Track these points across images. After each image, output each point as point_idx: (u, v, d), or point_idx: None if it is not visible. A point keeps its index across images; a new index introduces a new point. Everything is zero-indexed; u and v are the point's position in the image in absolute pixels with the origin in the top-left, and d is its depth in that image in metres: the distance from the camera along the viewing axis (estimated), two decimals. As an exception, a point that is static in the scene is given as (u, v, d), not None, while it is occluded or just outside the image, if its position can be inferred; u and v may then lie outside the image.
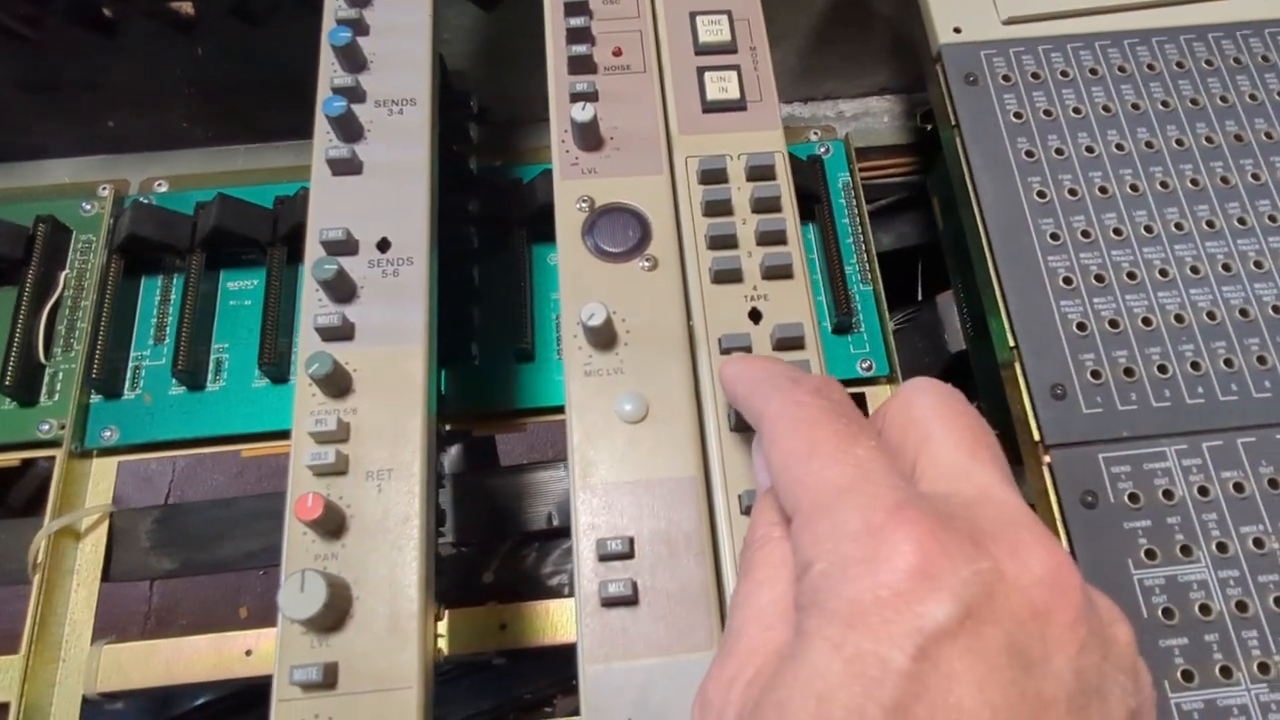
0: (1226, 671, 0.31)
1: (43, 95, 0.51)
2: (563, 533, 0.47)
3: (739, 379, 0.26)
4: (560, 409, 0.46)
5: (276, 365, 0.45)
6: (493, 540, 0.47)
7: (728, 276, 0.31)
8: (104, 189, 0.50)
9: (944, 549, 0.18)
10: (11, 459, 0.45)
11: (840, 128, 0.57)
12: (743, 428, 0.29)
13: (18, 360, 0.44)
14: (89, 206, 0.49)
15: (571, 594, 0.46)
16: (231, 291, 0.48)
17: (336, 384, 0.29)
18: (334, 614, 0.26)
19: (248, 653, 0.42)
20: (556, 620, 0.43)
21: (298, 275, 0.48)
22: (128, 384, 0.46)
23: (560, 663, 0.55)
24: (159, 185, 0.51)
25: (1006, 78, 0.40)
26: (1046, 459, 0.34)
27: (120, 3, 0.48)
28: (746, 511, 0.28)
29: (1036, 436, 0.34)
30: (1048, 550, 0.19)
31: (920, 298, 0.59)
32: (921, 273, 0.60)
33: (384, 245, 0.31)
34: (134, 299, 0.48)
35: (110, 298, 0.46)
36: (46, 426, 0.44)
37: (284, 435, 0.46)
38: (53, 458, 0.44)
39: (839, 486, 0.20)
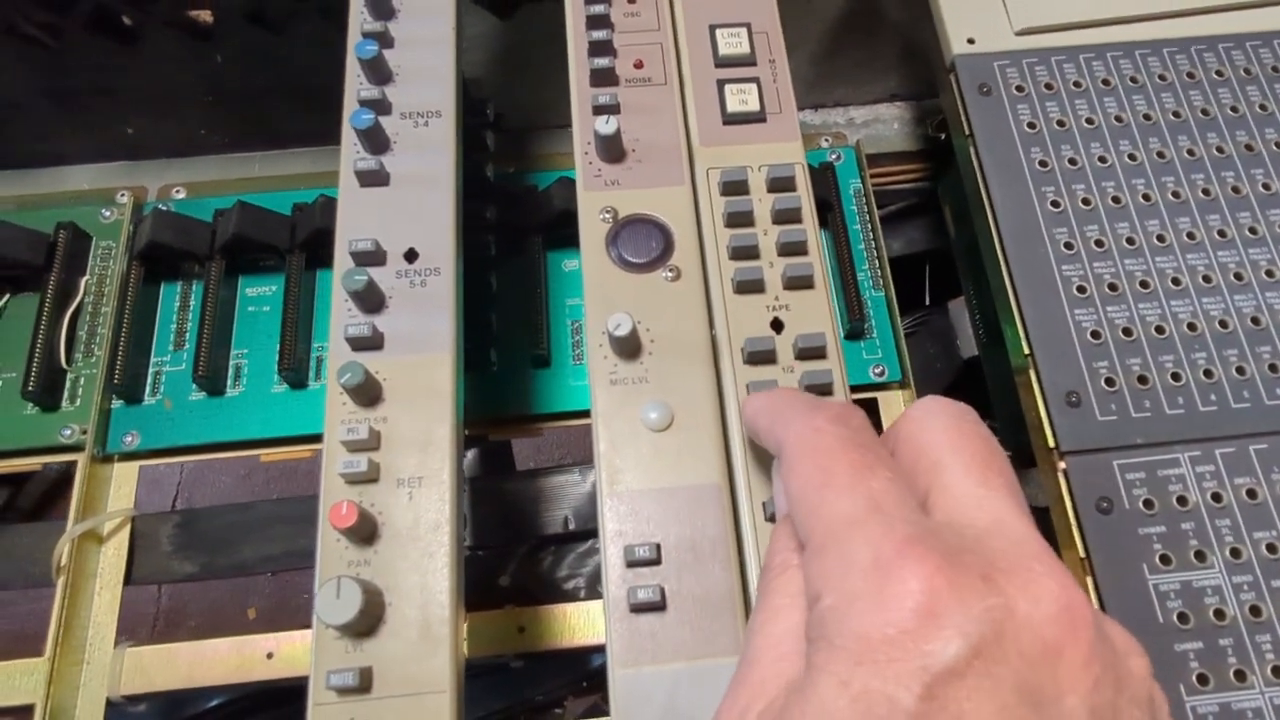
0: (1241, 675, 0.31)
1: (63, 103, 0.52)
2: (579, 536, 0.47)
3: (761, 412, 0.26)
4: (575, 414, 0.47)
5: (296, 371, 0.46)
6: (509, 544, 0.48)
7: (750, 287, 0.31)
8: (123, 195, 0.50)
9: (952, 586, 0.18)
10: (34, 463, 0.45)
11: (851, 134, 0.57)
12: None
13: (40, 366, 0.45)
14: (108, 213, 0.50)
15: (588, 597, 0.46)
16: (250, 298, 0.49)
17: (367, 393, 0.29)
18: (368, 620, 0.27)
19: (269, 655, 0.43)
20: (574, 623, 0.43)
21: (316, 282, 0.49)
22: (148, 389, 0.47)
23: (572, 664, 0.55)
24: (177, 192, 0.51)
25: (1020, 88, 0.41)
26: (1062, 465, 0.35)
27: (140, 11, 0.48)
28: (771, 518, 0.28)
29: (1051, 443, 0.35)
30: (1060, 585, 0.19)
31: (929, 302, 0.59)
32: (930, 278, 0.60)
33: (411, 256, 0.31)
34: (154, 305, 0.48)
35: (131, 304, 0.46)
36: (68, 431, 0.45)
37: (302, 440, 0.46)
38: (73, 462, 0.45)
39: (850, 518, 0.20)
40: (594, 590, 0.47)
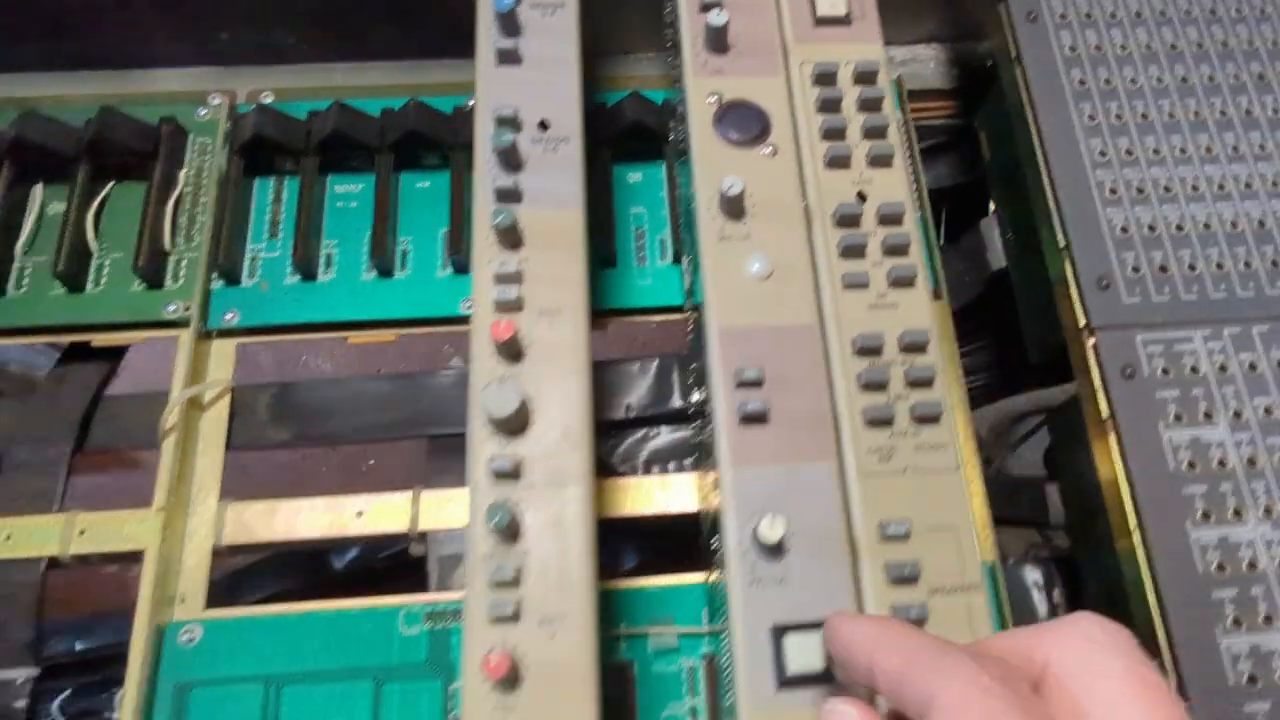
0: (1238, 514, 0.37)
1: (163, 5, 0.55)
2: (639, 422, 0.52)
3: (885, 649, 0.23)
4: (638, 310, 0.51)
5: (385, 258, 0.49)
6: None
7: (837, 163, 0.36)
8: (215, 98, 0.54)
9: None
10: (140, 336, 0.49)
11: (892, 71, 0.62)
12: None
13: (148, 246, 0.48)
14: (203, 111, 0.53)
15: (646, 473, 0.51)
16: (338, 194, 0.53)
17: (511, 237, 0.33)
18: (519, 420, 0.31)
19: (359, 514, 0.47)
20: (635, 495, 0.47)
21: (400, 184, 0.53)
22: (245, 273, 0.50)
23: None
24: (265, 96, 0.54)
25: (1064, 16, 0.46)
26: (1091, 340, 0.40)
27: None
28: (859, 352, 0.33)
29: (1083, 322, 0.40)
30: None
31: (942, 241, 0.64)
32: (947, 214, 0.65)
33: (544, 125, 0.36)
34: (249, 197, 0.52)
35: (232, 193, 0.50)
36: (173, 307, 0.48)
37: (389, 325, 0.50)
38: (176, 339, 0.48)
39: None
40: (649, 470, 0.52)
